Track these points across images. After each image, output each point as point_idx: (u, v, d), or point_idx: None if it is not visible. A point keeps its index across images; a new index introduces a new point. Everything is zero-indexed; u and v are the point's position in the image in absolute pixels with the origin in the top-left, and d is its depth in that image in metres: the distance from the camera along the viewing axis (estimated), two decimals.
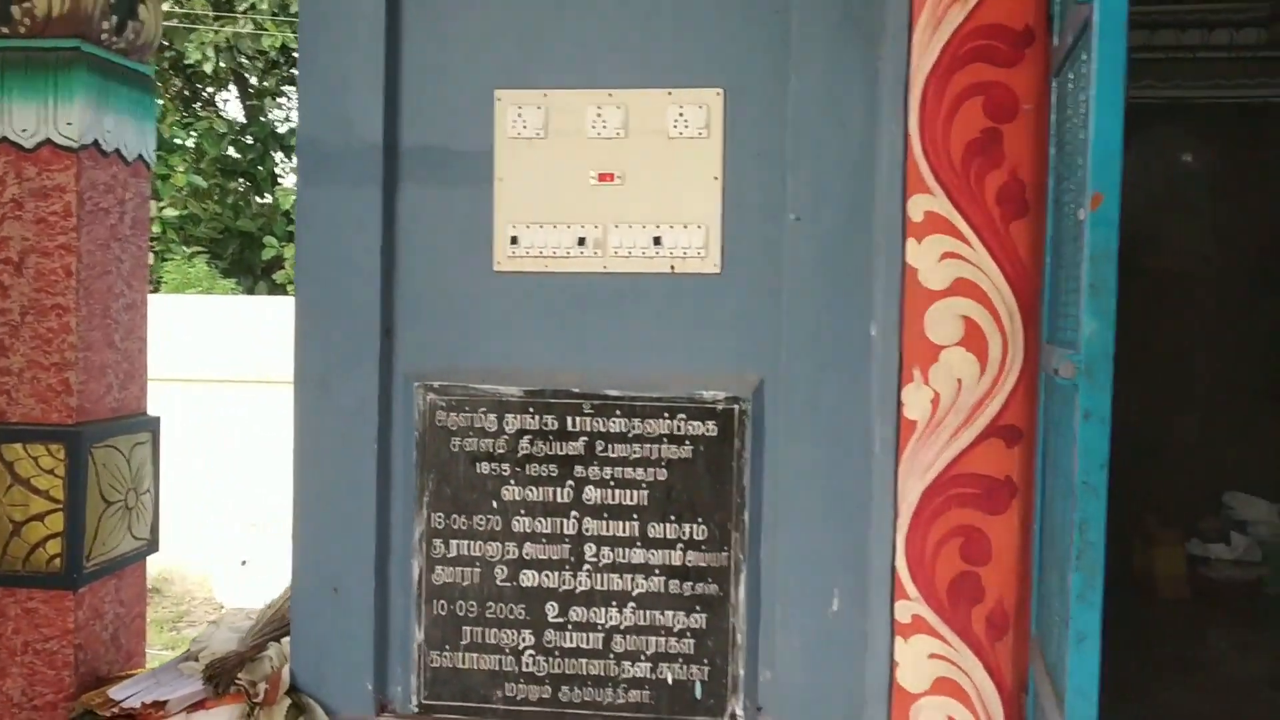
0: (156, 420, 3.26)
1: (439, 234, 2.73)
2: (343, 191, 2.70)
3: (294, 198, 2.79)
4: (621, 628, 2.66)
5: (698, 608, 2.64)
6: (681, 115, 2.64)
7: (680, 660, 2.65)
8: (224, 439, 7.71)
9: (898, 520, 2.49)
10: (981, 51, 2.42)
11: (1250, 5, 5.92)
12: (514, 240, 2.69)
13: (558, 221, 2.68)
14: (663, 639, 2.65)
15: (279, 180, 13.86)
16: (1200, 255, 6.10)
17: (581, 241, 2.68)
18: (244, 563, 7.06)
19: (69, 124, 2.86)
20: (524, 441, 2.67)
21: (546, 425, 2.67)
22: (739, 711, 2.62)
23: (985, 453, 2.45)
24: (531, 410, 2.67)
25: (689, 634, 2.65)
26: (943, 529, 2.47)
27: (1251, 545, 5.83)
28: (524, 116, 2.68)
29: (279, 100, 14.40)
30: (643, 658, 2.66)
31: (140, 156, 3.17)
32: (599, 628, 2.67)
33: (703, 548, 2.64)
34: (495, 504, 2.68)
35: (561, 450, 2.67)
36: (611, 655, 2.67)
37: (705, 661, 2.64)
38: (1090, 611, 1.86)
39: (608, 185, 2.67)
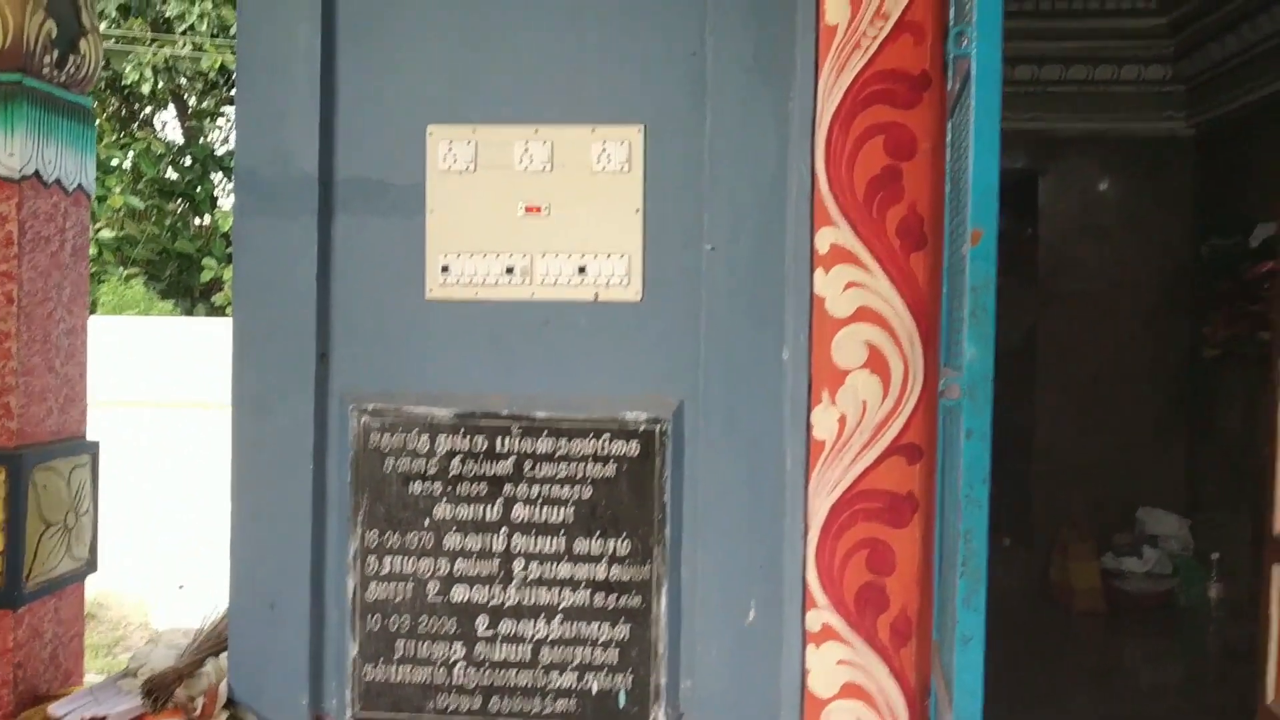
0: (96, 444, 3.33)
1: (373, 262, 2.85)
2: (280, 222, 2.81)
3: (233, 220, 2.88)
4: (549, 640, 2.78)
5: (622, 619, 2.77)
6: (605, 151, 2.79)
7: (605, 670, 2.77)
8: (162, 462, 7.71)
9: (808, 534, 2.64)
10: (882, 95, 2.59)
11: (1156, 44, 6.23)
12: (445, 269, 2.81)
13: (487, 251, 2.81)
14: (588, 650, 2.78)
15: (218, 201, 13.82)
16: (1112, 279, 6.37)
17: (510, 270, 2.81)
18: (181, 586, 7.05)
19: (11, 155, 2.94)
20: (455, 462, 2.79)
21: (476, 446, 2.79)
22: (661, 718, 2.75)
23: (888, 470, 2.61)
24: (462, 432, 2.79)
25: (613, 645, 2.77)
26: (850, 542, 2.62)
27: (1162, 558, 6.09)
28: (454, 150, 2.81)
29: (218, 121, 14.39)
30: (569, 668, 2.78)
31: (80, 186, 3.26)
32: (527, 640, 2.79)
33: (626, 562, 2.77)
34: (427, 522, 2.79)
35: (491, 470, 2.79)
36: (539, 666, 2.78)
37: (629, 671, 2.77)
38: (975, 615, 2.01)
39: (535, 217, 2.81)
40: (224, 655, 2.88)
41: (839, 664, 2.63)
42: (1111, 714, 4.39)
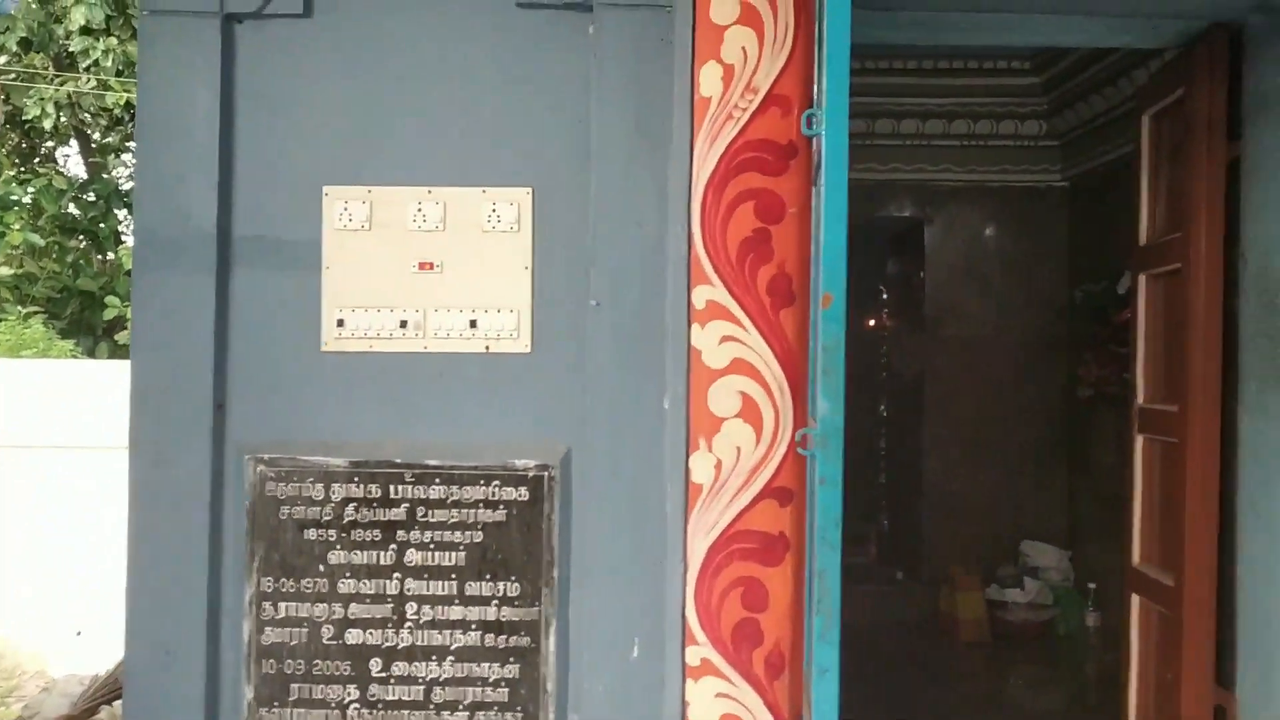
0: None
1: (270, 316, 2.95)
2: (178, 277, 2.90)
3: (132, 274, 2.96)
4: (441, 680, 2.89)
5: (511, 659, 2.89)
6: (495, 211, 2.94)
7: (496, 708, 2.89)
8: (61, 507, 7.59)
9: (687, 574, 2.80)
10: (753, 163, 2.79)
11: (1031, 101, 6.59)
12: (340, 323, 2.93)
13: (381, 306, 2.94)
14: (479, 689, 2.89)
15: (122, 238, 13.63)
16: (994, 323, 6.68)
17: (404, 324, 2.94)
18: (79, 633, 6.95)
19: None
20: (349, 509, 2.89)
21: (371, 493, 2.89)
22: None
23: (762, 512, 2.79)
24: (356, 480, 2.89)
25: (504, 683, 2.89)
26: (726, 580, 2.79)
27: (1043, 589, 6.37)
28: (349, 210, 2.93)
29: (123, 157, 14.21)
30: (461, 707, 2.89)
31: None
32: (420, 680, 2.89)
33: (516, 603, 2.90)
34: (322, 567, 2.89)
35: (385, 516, 2.90)
36: (432, 706, 2.89)
37: (519, 709, 2.89)
38: (829, 649, 2.18)
39: (428, 273, 2.94)
40: (118, 702, 2.93)
41: (717, 696, 2.79)
42: None
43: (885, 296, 8.26)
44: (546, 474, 2.90)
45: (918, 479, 6.91)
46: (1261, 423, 3.32)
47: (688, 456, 2.81)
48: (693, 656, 2.80)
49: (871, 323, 8.80)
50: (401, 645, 2.89)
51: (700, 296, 2.80)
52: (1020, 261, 6.78)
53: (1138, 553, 4.15)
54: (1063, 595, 6.33)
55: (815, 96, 2.51)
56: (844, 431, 2.20)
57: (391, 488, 2.90)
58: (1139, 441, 4.15)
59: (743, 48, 2.80)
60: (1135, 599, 4.15)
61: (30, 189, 12.64)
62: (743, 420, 2.78)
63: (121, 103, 12.48)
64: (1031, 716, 5.18)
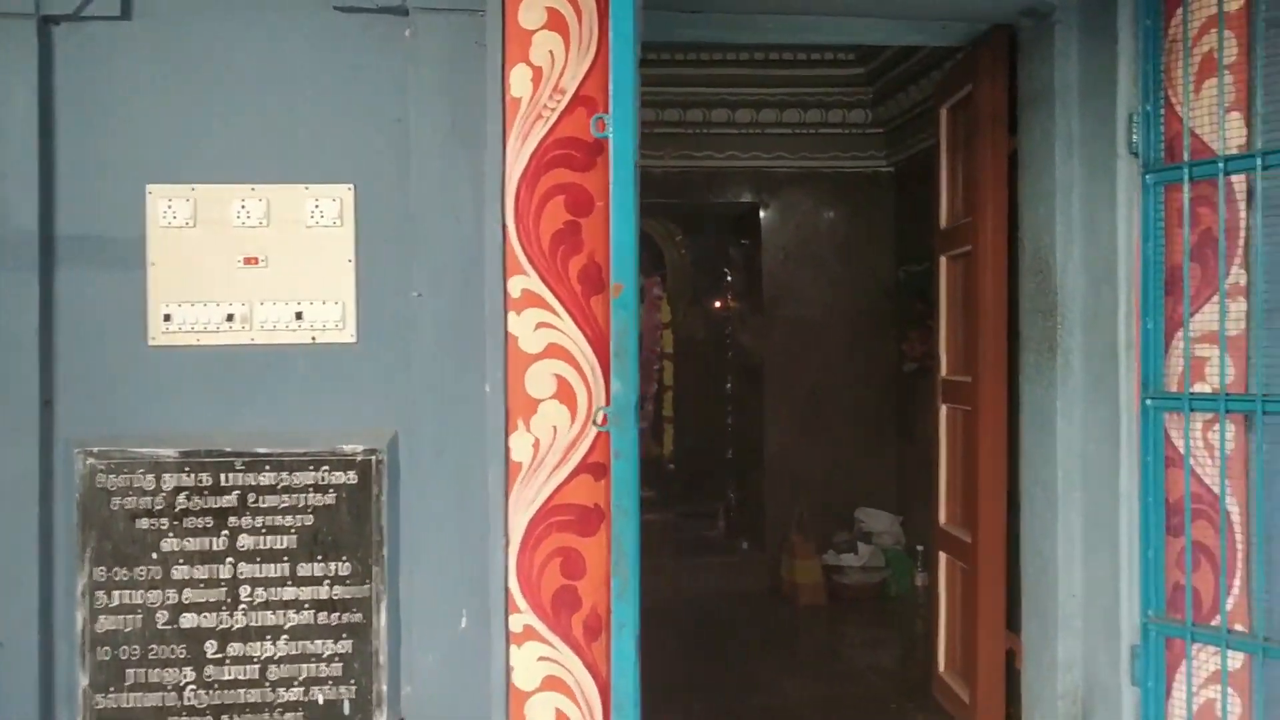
0: None
1: (96, 313, 3.01)
2: (1, 277, 2.94)
3: None
4: (276, 658, 3.01)
5: (344, 635, 3.03)
6: (318, 207, 3.05)
7: (330, 682, 3.02)
8: None
9: (509, 547, 2.98)
10: (562, 159, 2.98)
11: (857, 91, 6.93)
12: (167, 318, 3.01)
13: (208, 300, 3.03)
14: (313, 665, 3.02)
15: None
16: (827, 303, 7.03)
17: (230, 317, 3.03)
18: None
19: None
20: (181, 497, 2.99)
21: (202, 482, 2.99)
22: None
23: (578, 486, 2.99)
24: (187, 469, 2.99)
25: (337, 659, 3.03)
26: (546, 551, 2.98)
27: (876, 553, 6.76)
28: (174, 208, 3.01)
29: None
30: (296, 683, 3.01)
31: None
32: (255, 660, 3.00)
33: (347, 582, 3.03)
34: (155, 555, 2.97)
35: (216, 503, 3.00)
36: (267, 683, 3.01)
37: (352, 682, 3.03)
38: (628, 606, 2.39)
39: (253, 268, 3.04)
40: None
41: (539, 660, 2.98)
42: (815, 695, 4.93)
43: (729, 279, 8.57)
44: (374, 458, 3.04)
45: (759, 453, 7.23)
46: (1039, 390, 3.67)
47: (507, 437, 2.98)
48: (516, 624, 2.98)
49: (717, 304, 9.11)
50: (236, 627, 3.00)
51: (516, 286, 2.97)
52: (851, 243, 7.15)
53: (944, 514, 4.50)
54: (894, 558, 6.73)
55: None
56: (636, 408, 2.40)
57: (222, 476, 3.00)
58: (943, 411, 4.50)
59: (550, 51, 2.98)
60: (942, 556, 4.50)
61: None
62: (558, 401, 2.97)
63: None
64: (854, 673, 5.49)
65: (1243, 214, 3.06)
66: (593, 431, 2.97)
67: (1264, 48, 2.91)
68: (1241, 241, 3.07)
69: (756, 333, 7.41)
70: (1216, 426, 3.06)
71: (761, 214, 7.17)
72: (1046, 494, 3.62)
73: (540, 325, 2.98)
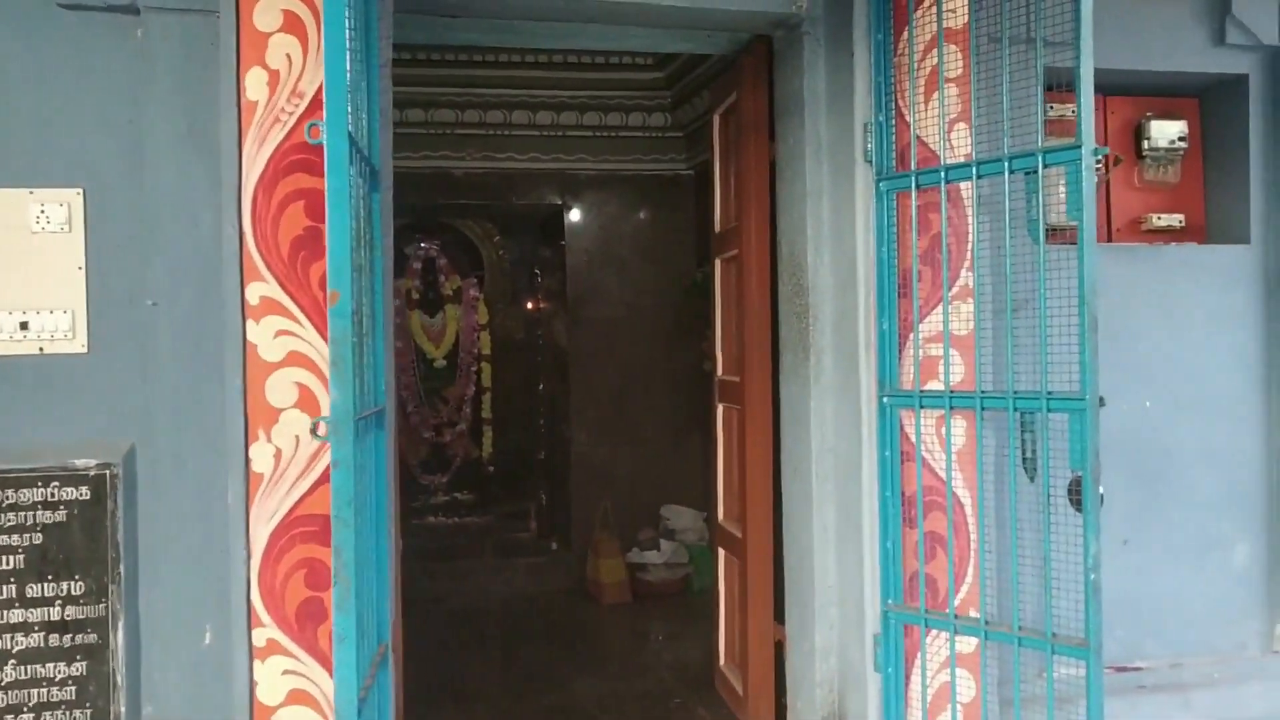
0: None
1: None
2: None
3: None
4: (3, 684, 2.88)
5: (79, 657, 2.92)
6: (44, 212, 2.93)
7: (63, 707, 2.91)
8: None
9: (251, 560, 2.91)
10: (301, 164, 2.92)
11: (656, 95, 7.04)
12: None
13: None
14: (44, 689, 2.90)
15: None
16: (630, 303, 7.12)
17: None
18: None
19: None
20: None
21: None
22: None
23: (322, 496, 2.94)
24: None
25: (70, 682, 2.91)
26: (290, 563, 2.93)
27: (680, 549, 6.87)
28: None
29: None
30: (26, 709, 2.89)
31: None
32: None
33: (81, 602, 2.92)
34: None
35: None
36: None
37: (88, 705, 2.92)
38: (347, 618, 2.36)
39: None
40: None
41: (284, 674, 2.93)
42: (602, 692, 4.98)
43: (540, 280, 8.59)
44: (109, 472, 2.94)
45: (566, 454, 7.27)
46: (795, 388, 3.79)
47: (248, 447, 2.91)
48: (259, 638, 2.92)
49: (530, 305, 9.12)
50: None
51: (255, 293, 2.91)
52: (654, 245, 7.25)
53: (722, 511, 4.62)
54: (698, 554, 6.86)
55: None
56: (353, 417, 2.39)
57: None
58: (720, 410, 4.60)
59: (287, 54, 2.92)
60: (721, 552, 4.61)
61: None
62: (300, 410, 2.92)
63: None
64: (655, 666, 5.54)
65: (970, 220, 3.23)
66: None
67: (979, 64, 3.08)
68: (970, 246, 3.24)
69: (563, 333, 7.45)
70: (951, 421, 3.22)
71: (565, 216, 7.20)
72: (803, 489, 3.75)
73: (280, 333, 2.92)
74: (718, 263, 4.65)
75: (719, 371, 4.67)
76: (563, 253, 7.34)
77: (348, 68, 2.46)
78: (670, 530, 7.01)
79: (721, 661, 4.65)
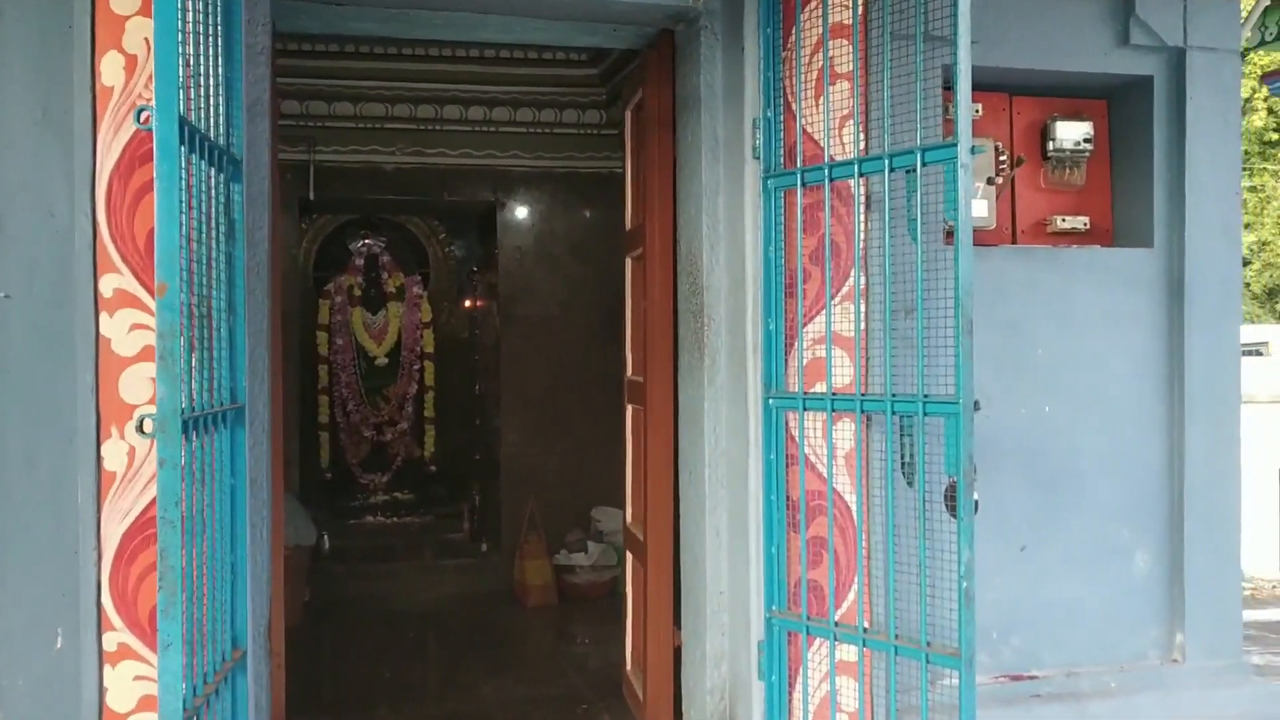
0: None
1: None
2: None
3: None
4: None
5: None
6: None
7: None
8: None
9: (102, 561, 2.82)
10: None
11: (591, 91, 6.95)
12: None
13: None
14: None
15: None
16: (561, 302, 7.03)
17: None
18: None
19: None
20: None
21: None
22: None
23: None
24: None
25: None
26: (143, 564, 2.83)
27: (608, 551, 6.78)
28: None
29: None
30: None
31: None
32: None
33: None
34: None
35: None
36: None
37: None
38: (171, 624, 2.27)
39: None
40: None
41: (136, 679, 2.83)
42: (512, 697, 4.89)
43: (476, 278, 8.50)
44: None
45: (495, 455, 7.17)
46: (690, 389, 3.73)
47: (100, 445, 2.82)
48: (110, 642, 2.82)
49: (468, 303, 9.03)
50: None
51: (109, 285, 2.81)
52: (587, 244, 7.15)
53: (630, 513, 4.54)
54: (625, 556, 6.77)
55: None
56: (180, 415, 2.29)
57: None
58: (629, 411, 4.52)
59: (145, 39, 2.82)
60: (629, 555, 4.53)
61: None
62: (153, 406, 2.82)
63: None
64: (568, 671, 5.41)
65: (862, 219, 3.17)
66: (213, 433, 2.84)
67: (871, 59, 3.02)
68: (861, 245, 3.17)
69: (496, 332, 7.35)
70: (838, 424, 3.16)
71: (499, 213, 7.11)
72: (698, 493, 3.68)
73: (136, 326, 2.83)
74: (628, 261, 4.58)
75: (629, 371, 4.59)
76: (494, 251, 7.24)
77: (186, 50, 2.37)
78: (600, 532, 6.92)
79: (628, 666, 4.57)
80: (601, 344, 7.14)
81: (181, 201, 2.31)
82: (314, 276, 9.30)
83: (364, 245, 9.38)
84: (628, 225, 4.58)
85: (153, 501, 2.83)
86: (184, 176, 2.35)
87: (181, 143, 2.40)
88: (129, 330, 2.83)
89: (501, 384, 7.14)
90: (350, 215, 9.14)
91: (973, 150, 2.75)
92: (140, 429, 2.34)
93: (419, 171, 6.88)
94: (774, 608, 3.25)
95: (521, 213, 7.15)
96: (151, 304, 2.82)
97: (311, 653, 5.46)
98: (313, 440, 9.07)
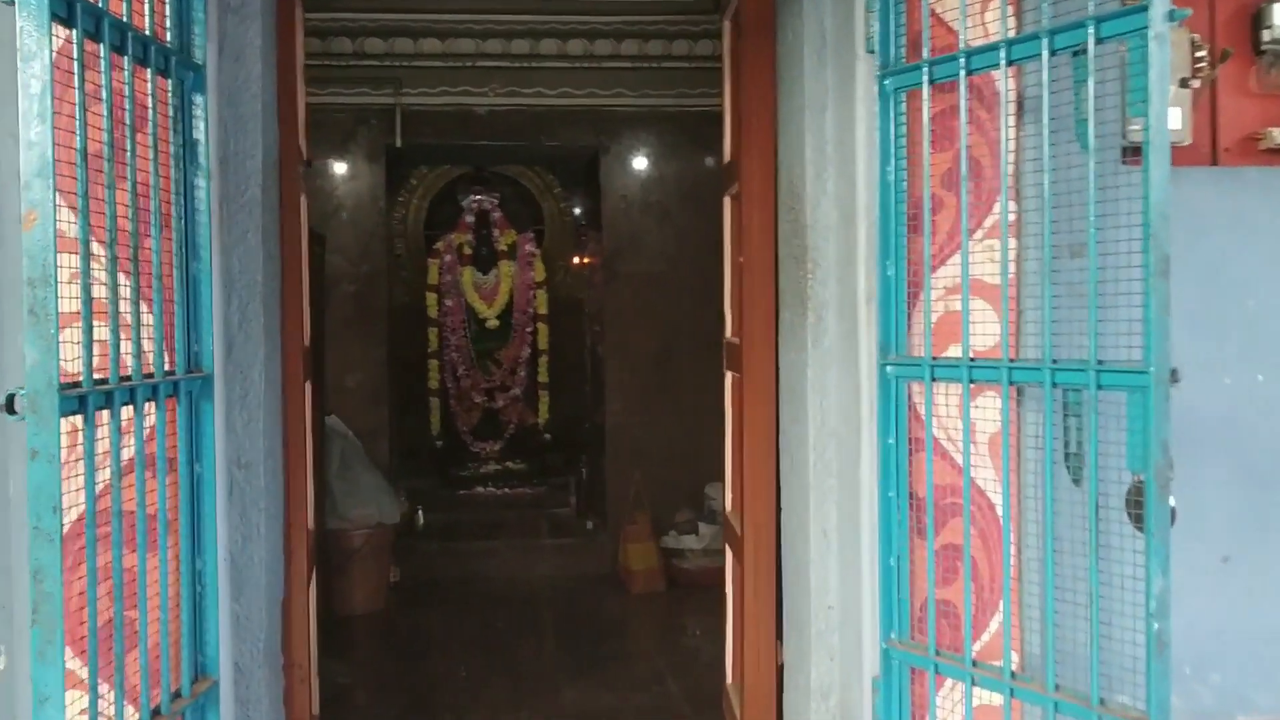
0: None
1: None
2: None
3: None
4: None
5: None
6: None
7: None
8: None
9: None
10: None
11: (704, 19, 6.20)
12: None
13: None
14: None
15: None
16: (669, 258, 6.34)
17: None
18: None
19: None
20: None
21: None
22: None
23: (132, 483, 2.29)
24: None
25: None
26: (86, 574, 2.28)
27: (719, 533, 6.09)
28: None
29: None
30: None
31: None
32: None
33: None
34: None
35: None
36: None
37: None
38: (52, 670, 1.70)
39: None
40: None
41: (81, 715, 2.29)
42: (593, 708, 4.28)
43: (586, 234, 7.87)
44: None
45: (600, 428, 6.56)
46: (793, 353, 3.01)
47: None
48: None
49: (577, 261, 8.41)
50: None
51: None
52: (699, 191, 6.42)
53: (729, 500, 3.85)
54: None
55: None
56: (57, 389, 1.71)
57: None
58: (728, 379, 3.83)
59: None
60: (727, 550, 3.86)
61: None
62: None
63: None
64: (664, 674, 4.78)
65: (1012, 126, 2.37)
66: (159, 410, 2.27)
67: None
68: (1011, 163, 2.39)
69: (601, 291, 6.71)
70: (978, 399, 2.40)
71: (601, 159, 6.44)
72: (800, 482, 2.96)
73: (77, 276, 2.25)
74: (726, 201, 3.84)
75: (727, 332, 3.88)
76: (597, 201, 6.58)
77: None
78: (714, 512, 6.24)
79: (728, 679, 3.89)
80: (715, 303, 6.42)
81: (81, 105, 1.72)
82: (425, 235, 8.83)
83: (475, 201, 8.85)
84: (725, 157, 3.84)
85: (99, 495, 2.28)
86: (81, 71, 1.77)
87: (71, 25, 1.82)
88: (67, 280, 2.26)
89: (605, 347, 6.50)
90: (461, 169, 8.62)
91: (1171, 15, 1.94)
92: (9, 408, 1.77)
93: (514, 114, 6.26)
94: (893, 635, 2.51)
95: (627, 158, 6.46)
96: (95, 249, 2.25)
97: (383, 645, 4.97)
98: (423, 407, 8.65)
